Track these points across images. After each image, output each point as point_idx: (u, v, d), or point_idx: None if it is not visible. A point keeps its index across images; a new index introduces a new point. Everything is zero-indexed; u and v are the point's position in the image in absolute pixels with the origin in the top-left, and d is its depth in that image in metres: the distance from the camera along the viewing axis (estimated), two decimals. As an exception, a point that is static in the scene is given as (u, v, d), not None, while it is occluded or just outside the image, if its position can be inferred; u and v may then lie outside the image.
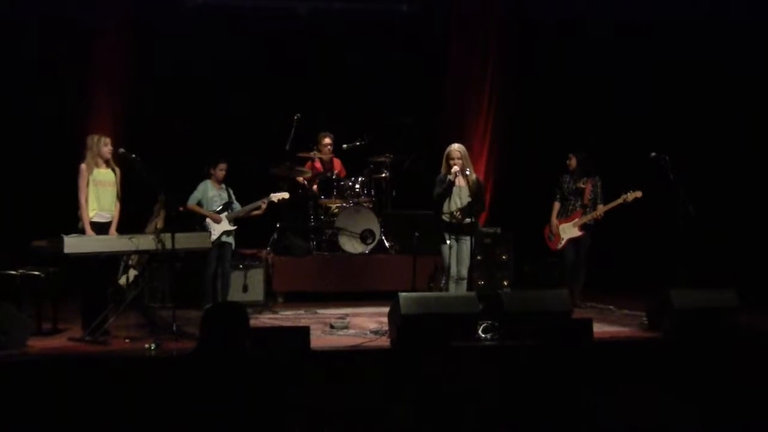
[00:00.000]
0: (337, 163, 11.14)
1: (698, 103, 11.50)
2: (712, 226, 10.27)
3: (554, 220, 9.76)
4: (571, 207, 9.71)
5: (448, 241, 8.37)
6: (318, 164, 11.01)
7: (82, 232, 7.79)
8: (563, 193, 9.77)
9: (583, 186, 9.66)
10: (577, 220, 9.61)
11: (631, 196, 9.35)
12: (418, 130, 11.55)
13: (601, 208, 9.56)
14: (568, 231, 9.67)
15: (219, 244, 9.12)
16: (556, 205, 9.82)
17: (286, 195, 9.59)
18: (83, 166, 7.93)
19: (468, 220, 8.40)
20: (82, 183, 7.89)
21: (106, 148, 7.98)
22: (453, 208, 8.38)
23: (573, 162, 9.76)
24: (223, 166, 9.22)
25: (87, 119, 10.73)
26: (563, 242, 9.68)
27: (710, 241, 10.52)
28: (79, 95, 10.91)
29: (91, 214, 7.89)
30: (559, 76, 11.81)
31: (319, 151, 10.96)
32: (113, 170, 8.05)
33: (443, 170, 8.47)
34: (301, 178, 10.78)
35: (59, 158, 10.28)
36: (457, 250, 8.43)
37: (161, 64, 11.24)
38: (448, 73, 12.35)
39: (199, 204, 9.19)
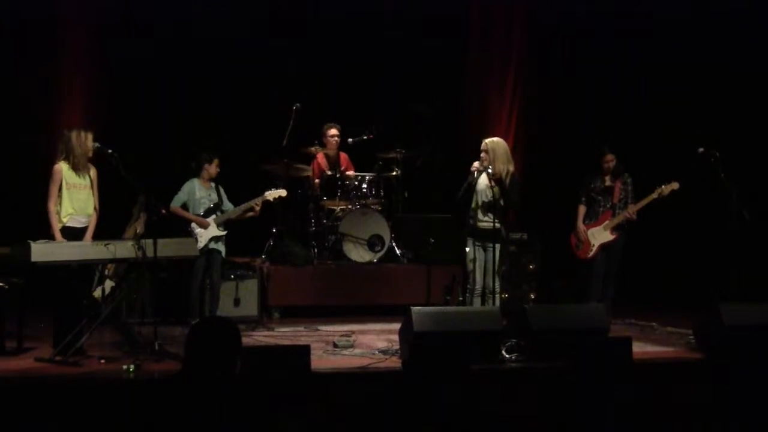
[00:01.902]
0: (344, 159, 11.13)
1: (752, 97, 11.45)
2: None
3: (581, 225, 9.58)
4: (600, 209, 9.51)
5: (467, 248, 8.34)
6: (322, 160, 11.00)
7: (53, 238, 7.75)
8: (589, 194, 9.60)
9: (612, 184, 9.54)
10: (607, 222, 9.44)
11: (667, 188, 9.18)
12: (434, 121, 11.54)
13: (633, 207, 9.38)
14: (599, 236, 9.49)
15: (207, 251, 9.13)
16: (582, 209, 9.62)
17: (283, 192, 9.60)
18: (59, 166, 7.83)
19: (495, 223, 8.33)
20: (53, 187, 7.79)
21: (92, 144, 7.89)
22: (479, 211, 8.35)
23: (614, 162, 9.49)
24: (215, 162, 9.22)
25: (55, 115, 10.78)
26: (594, 249, 9.49)
27: (767, 249, 10.50)
28: (47, 89, 10.97)
29: (65, 218, 7.83)
30: (590, 70, 11.82)
31: (324, 145, 10.96)
32: (88, 170, 7.98)
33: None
34: (309, 174, 10.80)
35: (25, 157, 10.34)
36: (484, 260, 8.38)
37: (142, 48, 11.27)
38: (468, 56, 12.38)
39: (185, 206, 9.19)
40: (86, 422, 5.99)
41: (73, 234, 7.83)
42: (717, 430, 6.62)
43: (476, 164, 8.37)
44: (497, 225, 8.25)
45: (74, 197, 7.88)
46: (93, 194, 8.00)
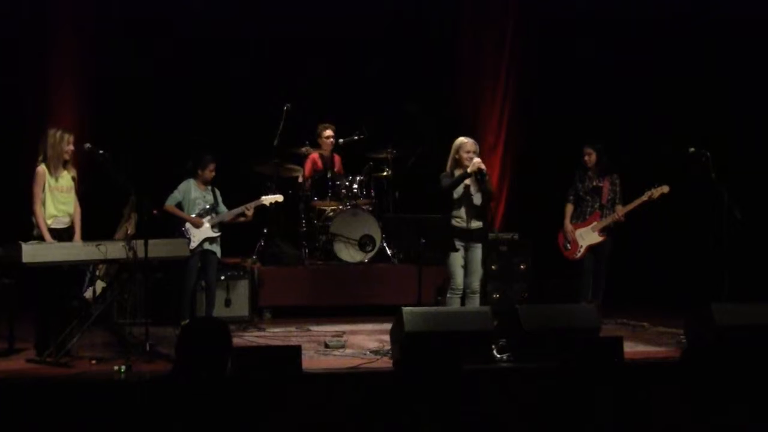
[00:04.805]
0: (338, 161, 11.16)
1: (746, 96, 11.48)
2: (761, 231, 10.27)
3: (568, 225, 9.62)
4: (588, 209, 9.56)
5: (457, 251, 8.32)
6: (318, 160, 11.01)
7: (40, 238, 7.73)
8: (577, 193, 9.64)
9: (600, 184, 9.57)
10: (595, 223, 9.48)
11: (656, 192, 9.19)
12: (425, 121, 11.56)
13: (621, 209, 9.43)
14: (587, 237, 9.54)
15: (201, 252, 9.13)
16: (570, 208, 9.67)
17: (279, 197, 9.59)
18: (41, 168, 7.80)
19: (479, 224, 8.37)
20: (37, 189, 7.76)
21: (69, 147, 7.85)
22: (465, 212, 8.34)
23: (593, 157, 9.55)
24: (212, 166, 9.22)
25: (46, 115, 10.76)
26: (582, 250, 9.54)
27: (759, 249, 10.54)
28: (37, 89, 10.98)
29: (49, 221, 7.81)
30: (582, 68, 11.85)
31: (318, 145, 10.97)
32: (69, 171, 7.95)
33: (449, 167, 8.44)
34: (299, 177, 10.82)
35: (12, 155, 10.33)
36: (468, 260, 8.39)
37: (135, 48, 11.28)
38: (459, 55, 12.39)
39: (180, 206, 9.20)
40: (77, 423, 5.99)
41: (57, 235, 7.82)
42: (707, 429, 6.65)
43: (478, 160, 8.27)
44: (482, 225, 8.32)
45: (57, 199, 7.87)
46: (75, 194, 8.01)
